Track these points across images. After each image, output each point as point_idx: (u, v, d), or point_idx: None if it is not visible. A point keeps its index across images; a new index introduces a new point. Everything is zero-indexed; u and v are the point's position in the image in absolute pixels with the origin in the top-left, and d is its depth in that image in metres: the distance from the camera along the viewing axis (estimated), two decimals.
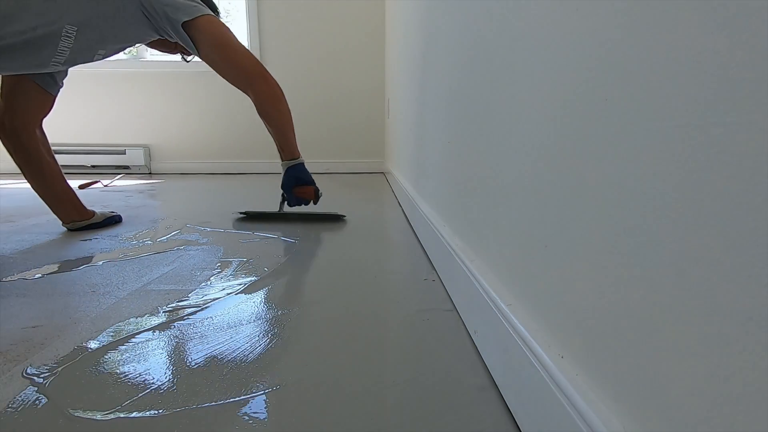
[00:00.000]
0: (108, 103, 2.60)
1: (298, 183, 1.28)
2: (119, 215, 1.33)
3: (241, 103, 2.53)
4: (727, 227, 0.20)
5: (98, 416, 0.43)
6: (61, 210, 1.20)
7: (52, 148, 1.21)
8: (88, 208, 1.25)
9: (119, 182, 2.29)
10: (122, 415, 0.43)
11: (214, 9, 1.22)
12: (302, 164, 1.28)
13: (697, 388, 0.22)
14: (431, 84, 1.01)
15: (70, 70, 1.16)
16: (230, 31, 1.13)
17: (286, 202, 1.32)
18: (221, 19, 1.15)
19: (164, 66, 2.55)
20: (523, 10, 0.46)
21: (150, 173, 2.69)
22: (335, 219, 1.37)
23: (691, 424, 0.23)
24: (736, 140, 0.20)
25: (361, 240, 1.13)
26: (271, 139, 1.26)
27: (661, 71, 0.25)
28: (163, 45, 1.23)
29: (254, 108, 1.18)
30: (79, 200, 1.23)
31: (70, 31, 0.95)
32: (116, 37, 1.03)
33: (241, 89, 1.18)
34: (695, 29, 0.22)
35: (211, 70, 1.15)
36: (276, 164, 2.75)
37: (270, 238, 1.15)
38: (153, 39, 1.13)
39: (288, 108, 1.22)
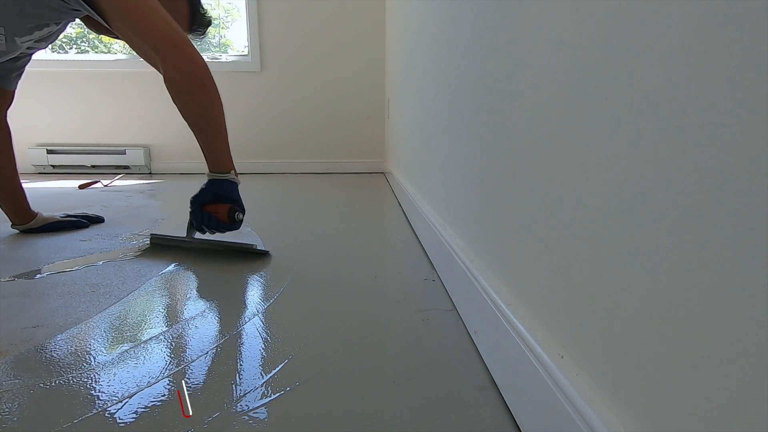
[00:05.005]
0: (108, 103, 2.60)
1: (214, 200, 0.93)
2: (78, 220, 1.22)
3: (240, 104, 2.53)
4: (726, 227, 0.20)
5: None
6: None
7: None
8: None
9: (119, 182, 2.29)
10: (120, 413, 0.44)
11: None
12: (230, 182, 0.94)
13: (697, 387, 0.22)
14: (431, 83, 1.01)
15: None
16: None
17: (198, 228, 0.95)
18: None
19: None
20: (523, 9, 0.46)
21: (150, 173, 2.69)
22: (254, 254, 0.98)
23: (691, 423, 0.23)
24: (736, 140, 0.20)
25: (361, 240, 1.13)
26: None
27: (661, 71, 0.25)
28: (100, 24, 0.98)
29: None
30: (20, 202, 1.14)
31: None
32: (7, 8, 0.86)
33: (153, 65, 0.91)
34: (696, 29, 0.22)
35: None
36: (276, 164, 2.76)
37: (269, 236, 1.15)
38: (67, 12, 0.92)
39: (213, 103, 0.89)
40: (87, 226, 1.23)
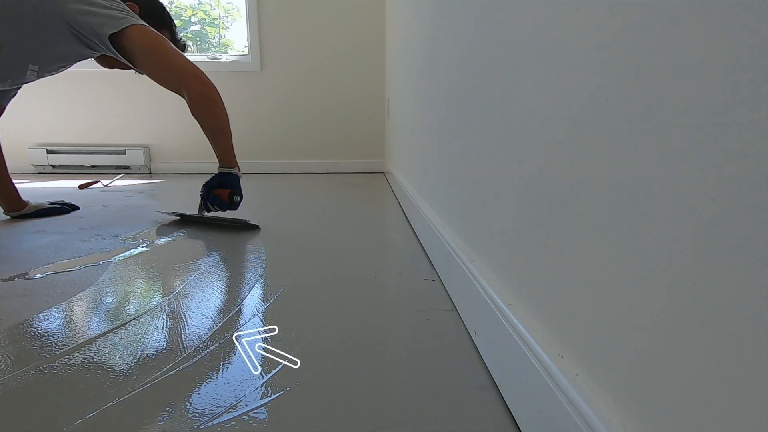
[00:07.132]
0: (108, 103, 2.60)
1: (219, 186, 1.23)
2: (62, 206, 1.43)
3: (240, 104, 2.53)
4: (726, 227, 0.20)
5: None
6: None
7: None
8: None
9: (119, 182, 2.29)
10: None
11: (165, 20, 1.30)
12: (234, 175, 1.24)
13: (698, 387, 0.22)
14: (431, 84, 1.01)
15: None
16: (161, 37, 1.13)
17: (205, 205, 1.25)
18: (152, 28, 1.16)
19: None
20: (523, 9, 0.46)
21: (150, 173, 2.69)
22: (246, 227, 1.27)
23: (691, 424, 0.23)
24: (736, 140, 0.20)
25: (361, 240, 1.13)
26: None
27: (660, 71, 0.25)
28: (114, 61, 1.24)
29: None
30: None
31: None
32: (45, 53, 1.08)
33: (176, 92, 1.16)
34: (695, 29, 0.22)
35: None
36: (276, 163, 2.76)
37: (265, 235, 1.15)
38: (93, 55, 1.16)
39: (224, 115, 1.19)
40: (68, 212, 1.44)
